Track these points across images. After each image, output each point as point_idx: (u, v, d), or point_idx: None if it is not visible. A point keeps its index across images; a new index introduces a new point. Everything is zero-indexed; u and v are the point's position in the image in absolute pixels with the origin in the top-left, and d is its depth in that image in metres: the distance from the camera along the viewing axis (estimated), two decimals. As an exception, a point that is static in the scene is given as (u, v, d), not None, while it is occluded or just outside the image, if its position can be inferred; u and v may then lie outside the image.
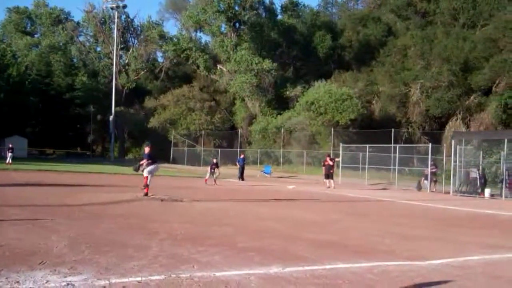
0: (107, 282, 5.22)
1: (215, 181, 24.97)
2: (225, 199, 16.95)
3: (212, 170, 25.45)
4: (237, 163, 33.22)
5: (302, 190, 24.15)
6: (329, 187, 25.64)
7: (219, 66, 56.18)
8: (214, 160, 26.78)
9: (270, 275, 5.94)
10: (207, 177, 25.29)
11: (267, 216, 12.76)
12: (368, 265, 6.76)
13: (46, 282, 5.09)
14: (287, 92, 51.01)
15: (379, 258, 7.30)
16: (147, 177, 14.91)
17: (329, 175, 26.44)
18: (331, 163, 26.92)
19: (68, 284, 5.07)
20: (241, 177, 30.79)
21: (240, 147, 49.01)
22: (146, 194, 14.88)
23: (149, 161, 15.11)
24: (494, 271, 6.98)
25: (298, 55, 56.85)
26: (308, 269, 6.33)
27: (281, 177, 36.52)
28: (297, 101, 48.34)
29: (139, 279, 5.40)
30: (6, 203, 12.47)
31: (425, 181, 28.20)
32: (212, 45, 60.24)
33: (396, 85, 45.60)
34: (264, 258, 6.88)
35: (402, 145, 35.46)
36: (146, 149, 15.77)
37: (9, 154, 34.65)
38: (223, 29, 56.25)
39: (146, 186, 14.98)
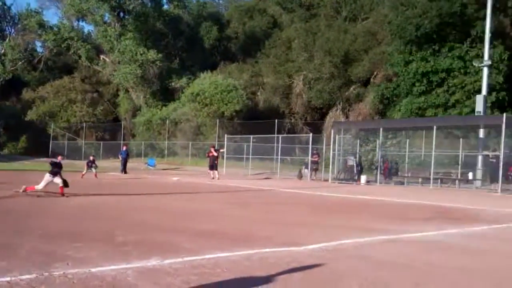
0: None
1: (95, 175, 23.93)
2: (106, 193, 16.56)
3: (90, 165, 24.44)
4: (119, 156, 32.22)
5: (187, 181, 24.18)
6: (213, 178, 25.55)
7: (102, 57, 53.99)
8: (91, 158, 25.58)
9: (148, 268, 5.84)
10: (84, 172, 24.06)
11: (149, 208, 12.60)
12: (247, 253, 6.83)
13: None
14: (173, 84, 49.79)
15: (258, 245, 7.39)
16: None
17: (213, 166, 26.27)
18: (215, 154, 26.73)
19: None
20: (124, 170, 29.87)
21: (124, 140, 47.62)
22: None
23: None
24: (364, 253, 7.21)
25: (184, 46, 55.55)
26: (187, 259, 6.28)
27: (165, 169, 36.17)
28: (183, 93, 47.41)
29: (8, 279, 5.11)
30: None
31: (306, 170, 28.93)
32: (95, 34, 57.56)
33: (280, 77, 46.10)
34: (143, 252, 6.73)
35: (285, 135, 36.35)
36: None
37: None
38: (106, 18, 53.85)
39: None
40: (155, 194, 17.18)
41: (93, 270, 5.59)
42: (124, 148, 32.05)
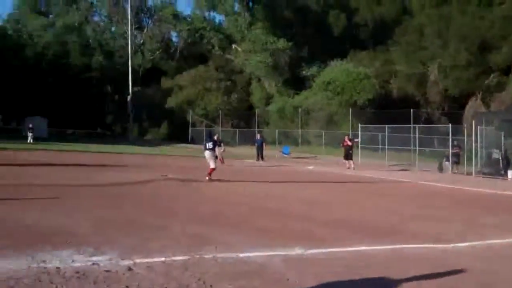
0: (131, 262, 5.31)
1: (221, 160, 24.35)
2: (244, 179, 17.11)
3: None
4: (255, 144, 33.02)
5: (322, 170, 24.32)
6: (348, 168, 25.43)
7: (234, 46, 55.70)
8: (215, 137, 26.53)
9: (293, 256, 5.99)
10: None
11: (287, 196, 12.84)
12: (392, 247, 6.84)
13: (72, 262, 5.21)
14: (303, 72, 50.60)
15: (402, 239, 7.38)
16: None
17: (348, 156, 26.33)
18: (350, 143, 26.84)
19: (93, 264, 5.18)
20: (261, 157, 30.68)
21: (258, 127, 48.42)
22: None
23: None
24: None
25: (312, 35, 55.07)
26: (331, 250, 6.40)
27: (299, 157, 36.56)
28: (314, 81, 47.97)
29: (163, 259, 5.51)
30: (30, 182, 12.80)
31: (447, 162, 28.16)
32: (226, 24, 59.66)
33: (414, 65, 44.69)
34: (286, 239, 6.93)
35: (422, 125, 34.94)
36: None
37: (30, 134, 35.17)
38: (236, 8, 55.98)
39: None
40: (289, 182, 17.29)
41: (240, 255, 5.90)
42: (259, 136, 32.97)
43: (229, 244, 6.50)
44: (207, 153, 15.97)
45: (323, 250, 6.35)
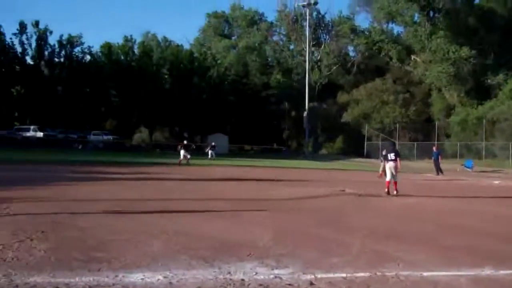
0: (313, 276, 5.78)
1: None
2: (424, 195, 17.46)
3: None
4: (432, 157, 33.90)
5: (510, 185, 24.10)
6: None
7: (413, 57, 59.03)
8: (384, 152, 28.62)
9: (482, 277, 6.08)
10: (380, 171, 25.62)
11: (472, 213, 12.90)
12: None
13: (255, 274, 5.84)
14: (488, 81, 52.03)
15: None
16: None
17: None
18: None
19: (275, 277, 5.73)
20: (439, 170, 31.86)
21: (437, 140, 50.45)
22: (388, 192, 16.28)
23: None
24: None
25: (498, 41, 56.35)
26: None
27: (483, 171, 37.42)
28: (500, 90, 49.36)
29: (344, 275, 5.91)
30: (211, 197, 14.42)
31: None
32: (404, 35, 63.51)
33: None
34: (474, 259, 7.04)
35: None
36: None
37: (210, 152, 39.33)
38: (416, 18, 59.39)
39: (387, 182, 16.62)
40: (474, 198, 17.33)
41: (425, 274, 6.11)
42: (435, 149, 34.10)
43: (413, 262, 6.75)
44: (391, 164, 16.91)
45: None
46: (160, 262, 6.38)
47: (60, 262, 5.04)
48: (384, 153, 18.68)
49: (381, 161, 26.00)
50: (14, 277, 5.46)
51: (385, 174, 17.48)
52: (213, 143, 42.72)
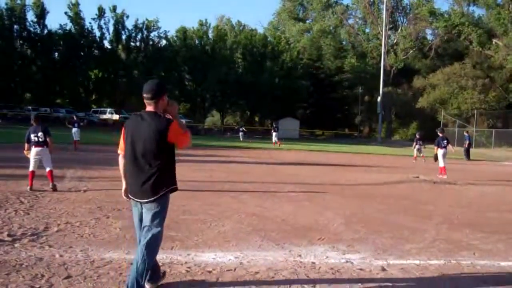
0: (385, 262, 5.79)
1: (423, 157, 26.18)
2: (503, 183, 17.00)
3: (419, 146, 27.08)
4: None
5: None
6: None
7: (494, 41, 57.02)
8: (417, 135, 28.56)
9: None
10: (415, 154, 26.91)
11: None
12: None
13: (326, 258, 5.90)
14: None
15: None
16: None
17: None
18: None
19: (347, 262, 5.77)
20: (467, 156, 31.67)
21: None
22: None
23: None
24: None
25: None
26: None
27: None
28: None
29: (417, 262, 5.87)
30: (281, 180, 14.62)
31: None
32: (486, 18, 61.63)
33: None
34: None
35: None
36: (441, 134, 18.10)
37: (274, 134, 39.16)
38: (499, 0, 57.64)
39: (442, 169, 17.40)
40: None
41: (502, 263, 6.00)
42: (466, 134, 34.03)
43: (490, 251, 6.62)
44: (444, 151, 17.78)
45: None
46: (232, 242, 6.58)
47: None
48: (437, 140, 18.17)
49: (417, 146, 27.08)
50: (91, 253, 5.78)
51: (436, 159, 17.85)
52: (274, 125, 42.93)
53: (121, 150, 4.57)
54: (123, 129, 4.50)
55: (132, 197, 4.46)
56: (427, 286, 5.14)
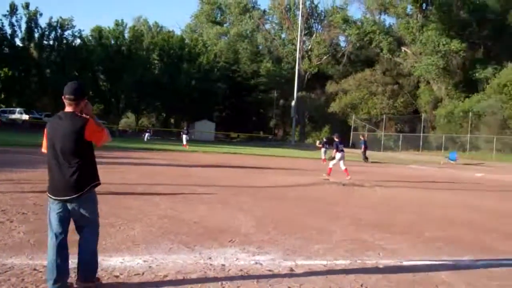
0: (294, 263, 5.88)
1: (324, 160, 26.45)
2: (408, 185, 17.60)
3: (325, 149, 27.46)
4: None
5: (492, 178, 24.21)
6: None
7: (403, 49, 59.27)
8: (325, 139, 29.67)
9: (461, 267, 6.19)
10: (323, 157, 27.30)
11: (455, 204, 12.93)
12: None
13: (236, 260, 5.90)
14: (477, 74, 51.98)
15: None
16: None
17: None
18: None
19: (256, 263, 5.82)
20: (365, 158, 33.26)
21: (423, 132, 51.74)
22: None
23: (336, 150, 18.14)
24: None
25: (489, 35, 56.80)
26: (504, 263, 6.48)
27: (466, 164, 37.26)
28: (488, 84, 49.25)
29: (324, 262, 6.01)
30: (196, 182, 14.37)
31: None
32: (396, 27, 63.82)
33: None
34: (454, 249, 7.16)
35: None
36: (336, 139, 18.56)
37: (184, 136, 38.81)
38: (408, 10, 59.61)
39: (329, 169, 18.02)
40: (458, 190, 17.42)
41: (405, 262, 6.23)
42: (362, 138, 35.97)
43: (394, 251, 6.86)
44: (342, 154, 18.29)
45: (495, 262, 6.48)
46: (141, 246, 6.42)
47: (39, 244, 5.08)
48: (334, 144, 18.68)
49: (325, 148, 27.68)
50: (-8, 258, 5.34)
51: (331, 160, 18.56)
52: (185, 128, 43.73)
53: (44, 149, 4.61)
54: (45, 129, 4.55)
55: (52, 196, 4.47)
56: (333, 286, 5.21)
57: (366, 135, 39.54)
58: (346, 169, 17.80)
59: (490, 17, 57.59)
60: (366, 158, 33.42)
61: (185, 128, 42.41)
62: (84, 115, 4.50)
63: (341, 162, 18.03)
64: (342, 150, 18.16)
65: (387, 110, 57.69)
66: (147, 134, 46.98)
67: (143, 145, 36.83)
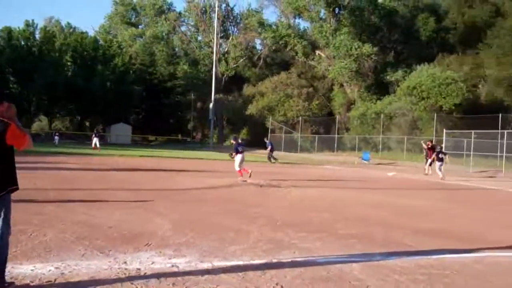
0: (210, 265, 5.91)
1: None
2: (324, 185, 18.01)
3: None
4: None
5: (403, 177, 25.28)
6: (426, 174, 26.83)
7: (317, 52, 60.21)
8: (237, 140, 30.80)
9: (373, 263, 6.39)
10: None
11: (367, 203, 13.40)
12: (477, 256, 7.11)
13: (151, 263, 5.85)
14: (388, 77, 53.74)
15: (488, 248, 7.66)
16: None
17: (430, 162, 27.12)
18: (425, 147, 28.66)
19: (172, 266, 5.80)
20: (271, 158, 33.95)
21: (338, 133, 52.54)
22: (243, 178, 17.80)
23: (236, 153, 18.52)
24: None
25: (399, 39, 59.36)
26: (413, 258, 6.74)
27: (379, 163, 38.60)
28: (398, 86, 50.82)
29: (241, 263, 6.07)
30: (112, 186, 14.19)
31: None
32: (310, 31, 64.73)
33: (505, 68, 46.20)
34: (366, 246, 7.38)
35: (511, 131, 35.55)
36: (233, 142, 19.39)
37: (95, 139, 38.25)
38: (322, 14, 60.69)
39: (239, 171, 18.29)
40: (370, 189, 18.10)
41: (319, 260, 6.35)
42: (267, 140, 36.88)
43: (309, 249, 6.98)
44: (243, 156, 18.71)
45: (405, 257, 6.73)
46: (53, 252, 6.22)
47: None
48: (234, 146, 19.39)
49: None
50: None
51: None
52: (95, 131, 43.11)
53: None
54: None
55: None
56: (249, 286, 5.26)
57: (269, 137, 40.41)
58: (240, 170, 18.16)
59: (400, 22, 59.90)
60: (274, 159, 34.03)
61: (96, 130, 41.57)
62: (5, 120, 4.43)
63: (239, 163, 18.36)
64: (241, 152, 18.48)
65: (303, 112, 58.50)
66: (56, 138, 46.44)
67: (57, 149, 35.79)
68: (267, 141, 36.15)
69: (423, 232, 9.11)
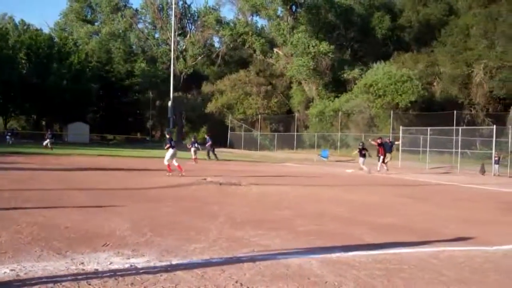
0: (169, 263, 5.90)
1: (195, 159, 28.41)
2: (283, 183, 18.21)
3: (195, 148, 29.53)
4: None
5: (361, 174, 25.53)
6: (378, 170, 27.20)
7: (275, 50, 60.49)
8: (193, 138, 31.56)
9: (332, 259, 6.46)
10: (193, 156, 28.88)
11: (327, 199, 13.65)
12: (433, 250, 7.28)
13: (109, 264, 5.77)
14: (345, 75, 54.20)
15: (444, 243, 7.83)
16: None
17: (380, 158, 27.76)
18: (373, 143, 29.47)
19: (131, 266, 5.74)
20: (210, 155, 34.11)
21: (297, 131, 53.13)
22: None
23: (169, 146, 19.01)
24: None
25: (355, 37, 60.08)
26: (371, 253, 6.81)
27: (338, 161, 39.04)
28: (355, 84, 51.38)
29: (200, 261, 6.08)
30: (70, 186, 14.01)
31: (496, 165, 30.05)
32: (268, 29, 65.04)
33: (458, 66, 47.48)
34: (325, 242, 7.51)
35: (465, 127, 37.52)
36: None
37: (47, 140, 37.77)
38: (279, 12, 60.69)
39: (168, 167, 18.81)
40: (329, 186, 18.36)
41: (279, 257, 6.42)
42: (207, 137, 36.47)
43: (268, 246, 7.05)
44: (174, 152, 19.18)
45: (363, 253, 6.83)
46: (8, 254, 6.09)
47: None
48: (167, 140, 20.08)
49: (193, 148, 29.72)
50: None
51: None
52: (49, 130, 42.74)
53: None
54: None
55: None
56: (209, 284, 5.25)
57: (210, 134, 39.68)
58: (169, 165, 18.63)
59: (356, 20, 60.50)
60: (214, 155, 34.01)
61: (49, 132, 40.65)
62: None
63: (169, 157, 18.85)
64: (173, 147, 18.96)
65: (262, 110, 58.71)
66: (8, 137, 45.84)
67: (12, 148, 34.73)
68: (207, 137, 36.03)
69: (381, 227, 9.24)
